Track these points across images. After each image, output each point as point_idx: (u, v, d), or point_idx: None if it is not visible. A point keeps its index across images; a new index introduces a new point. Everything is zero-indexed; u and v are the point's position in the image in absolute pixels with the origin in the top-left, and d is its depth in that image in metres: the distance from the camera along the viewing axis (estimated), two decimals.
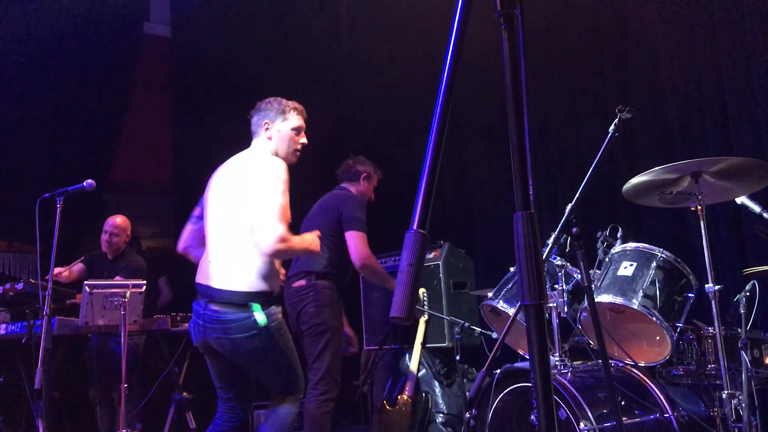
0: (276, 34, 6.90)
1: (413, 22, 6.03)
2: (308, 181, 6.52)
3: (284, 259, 3.25)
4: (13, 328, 4.57)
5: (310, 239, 3.06)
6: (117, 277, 4.85)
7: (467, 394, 4.09)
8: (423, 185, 0.98)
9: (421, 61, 5.94)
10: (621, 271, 3.19)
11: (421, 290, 4.87)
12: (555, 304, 3.25)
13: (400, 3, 6.09)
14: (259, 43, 6.84)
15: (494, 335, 4.02)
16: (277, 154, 3.15)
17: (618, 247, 3.33)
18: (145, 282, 4.45)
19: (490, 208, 5.82)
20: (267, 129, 3.22)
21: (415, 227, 0.96)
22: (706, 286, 2.81)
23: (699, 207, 2.90)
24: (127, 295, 4.19)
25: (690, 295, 3.14)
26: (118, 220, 5.17)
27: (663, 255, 3.17)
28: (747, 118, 3.91)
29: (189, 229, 3.29)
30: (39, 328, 3.90)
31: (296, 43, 6.87)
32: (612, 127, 2.86)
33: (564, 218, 2.78)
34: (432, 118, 1.03)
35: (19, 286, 4.44)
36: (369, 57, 6.63)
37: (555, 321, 3.26)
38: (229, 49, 6.75)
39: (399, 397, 4.57)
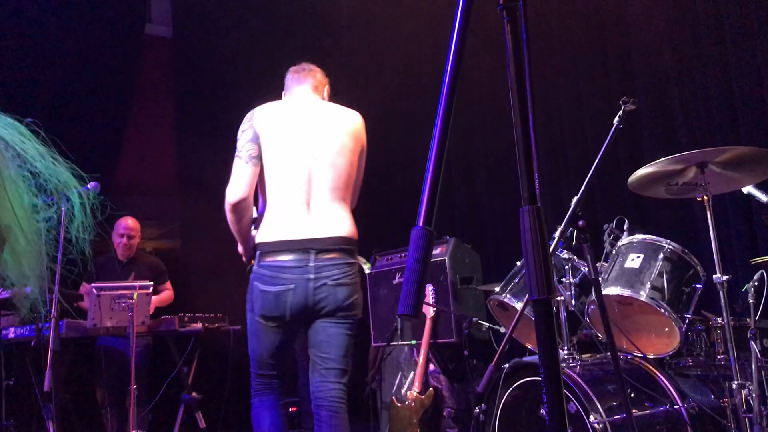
0: (277, 33, 6.90)
1: (416, 18, 6.01)
2: None
3: None
4: (21, 331, 4.58)
5: None
6: (131, 279, 4.85)
7: (476, 389, 4.08)
8: (428, 181, 0.97)
9: (425, 55, 5.92)
10: (628, 264, 3.18)
11: (428, 286, 4.87)
12: (562, 298, 3.25)
13: (403, 3, 6.07)
14: (260, 41, 6.83)
15: (502, 330, 4.01)
16: None
17: (625, 240, 3.32)
18: (152, 283, 4.47)
19: (496, 203, 5.81)
20: (328, 93, 3.22)
21: (421, 224, 0.95)
22: (714, 276, 2.80)
23: (705, 197, 2.89)
24: (135, 296, 4.20)
25: (698, 286, 3.13)
26: (130, 222, 5.17)
27: (670, 246, 3.16)
28: (754, 107, 3.89)
29: (252, 171, 2.84)
30: (47, 331, 3.91)
31: (297, 41, 6.86)
32: (617, 118, 2.85)
33: (570, 211, 2.77)
34: (436, 112, 1.03)
35: (27, 289, 4.44)
36: (371, 55, 6.62)
37: (563, 314, 3.25)
38: (230, 47, 6.75)
39: (408, 393, 4.57)
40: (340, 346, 2.84)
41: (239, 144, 2.88)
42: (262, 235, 2.83)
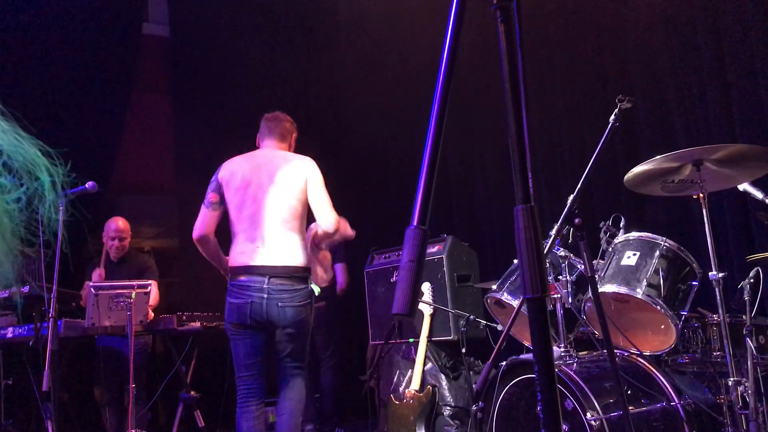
0: (275, 34, 6.90)
1: (412, 18, 6.02)
2: None
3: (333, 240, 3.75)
4: (20, 331, 4.59)
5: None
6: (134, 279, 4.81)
7: (474, 386, 4.10)
8: (422, 181, 0.98)
9: (422, 53, 5.93)
10: (624, 261, 3.19)
11: (426, 284, 4.88)
12: (559, 295, 3.25)
13: (399, 1, 6.08)
14: (257, 40, 6.83)
15: (499, 327, 4.02)
16: None
17: (621, 237, 3.33)
18: (150, 282, 4.48)
19: (493, 201, 5.82)
20: (293, 141, 3.83)
21: (415, 223, 0.96)
22: (710, 273, 2.81)
23: (701, 195, 2.90)
24: (133, 295, 4.20)
25: (694, 283, 3.14)
26: (120, 223, 5.16)
27: (666, 244, 3.17)
28: (750, 104, 3.89)
29: (209, 215, 3.54)
30: (46, 330, 3.91)
31: (295, 42, 6.87)
32: (612, 116, 2.85)
33: (566, 209, 2.78)
34: (430, 112, 1.03)
35: (25, 289, 4.45)
36: (368, 54, 6.63)
37: (559, 312, 3.26)
38: (227, 47, 6.75)
39: (406, 391, 4.58)
40: (294, 349, 3.53)
41: (207, 192, 3.58)
42: (231, 261, 3.51)
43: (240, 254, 3.45)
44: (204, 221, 3.53)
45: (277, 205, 3.45)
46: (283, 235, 3.44)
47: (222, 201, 3.54)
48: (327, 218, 3.48)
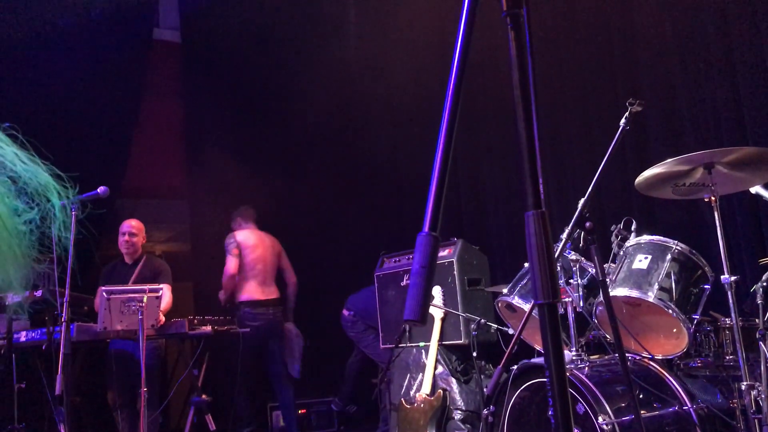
0: (284, 39, 6.92)
1: (422, 24, 6.02)
2: (318, 184, 6.56)
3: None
4: (33, 335, 4.62)
5: None
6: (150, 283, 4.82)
7: (485, 390, 4.09)
8: (433, 187, 0.98)
9: (430, 62, 5.93)
10: (636, 264, 3.18)
11: (437, 288, 4.87)
12: (570, 299, 3.25)
13: (409, 7, 6.08)
14: (267, 46, 6.86)
15: (510, 331, 4.01)
16: None
17: (632, 240, 3.32)
18: (161, 286, 4.49)
19: (503, 204, 5.81)
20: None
21: (426, 229, 0.96)
22: (722, 277, 2.80)
23: (712, 198, 2.88)
24: (145, 299, 4.23)
25: (706, 286, 3.13)
26: (134, 222, 5.20)
27: (678, 247, 3.15)
28: (761, 107, 3.88)
29: (235, 261, 5.60)
30: (58, 334, 3.93)
31: (304, 47, 6.88)
32: (623, 120, 2.85)
33: (577, 213, 2.77)
34: (441, 118, 1.04)
35: (38, 293, 4.48)
36: (378, 60, 6.63)
37: (571, 316, 3.25)
38: (238, 53, 6.77)
39: (417, 394, 4.58)
40: (282, 350, 5.74)
41: (230, 248, 5.63)
42: (247, 296, 5.62)
43: (254, 293, 5.59)
44: (232, 265, 5.57)
45: (271, 264, 5.81)
46: (272, 281, 5.79)
47: (240, 254, 5.59)
48: (292, 275, 5.98)
